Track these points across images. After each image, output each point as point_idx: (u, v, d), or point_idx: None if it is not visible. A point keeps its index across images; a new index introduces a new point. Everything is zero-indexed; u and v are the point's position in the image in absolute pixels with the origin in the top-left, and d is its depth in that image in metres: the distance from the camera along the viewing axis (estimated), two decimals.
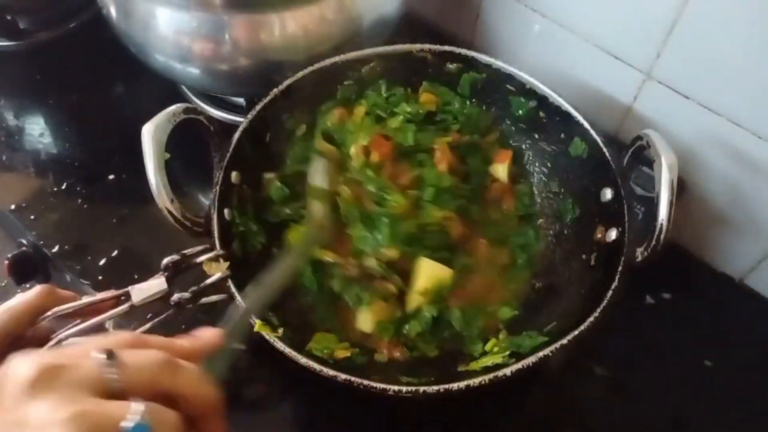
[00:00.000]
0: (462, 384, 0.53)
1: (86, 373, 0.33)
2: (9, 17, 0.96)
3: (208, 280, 0.58)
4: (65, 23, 0.98)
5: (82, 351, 0.35)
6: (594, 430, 0.67)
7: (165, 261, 0.56)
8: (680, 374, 0.71)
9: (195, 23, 0.69)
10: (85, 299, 0.53)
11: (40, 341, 0.52)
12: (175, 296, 0.56)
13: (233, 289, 0.58)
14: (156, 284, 0.55)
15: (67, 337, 0.52)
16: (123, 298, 0.54)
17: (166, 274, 0.56)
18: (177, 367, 0.36)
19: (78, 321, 0.53)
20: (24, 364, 0.33)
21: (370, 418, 0.65)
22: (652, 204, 0.60)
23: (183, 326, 0.70)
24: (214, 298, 0.59)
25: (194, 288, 0.57)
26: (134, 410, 0.32)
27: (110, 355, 0.33)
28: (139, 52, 0.76)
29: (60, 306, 0.51)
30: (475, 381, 0.54)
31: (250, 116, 0.68)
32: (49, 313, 0.51)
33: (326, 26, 0.72)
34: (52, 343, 0.51)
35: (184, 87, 0.88)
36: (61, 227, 0.78)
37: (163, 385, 0.35)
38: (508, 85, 0.73)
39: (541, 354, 0.55)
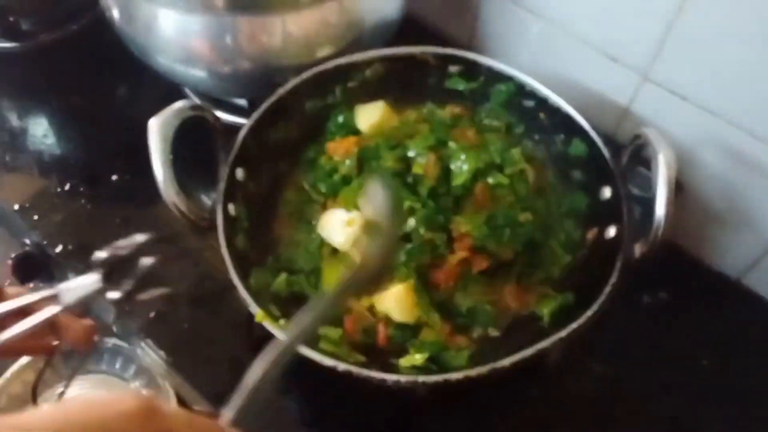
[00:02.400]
0: (461, 375, 0.54)
1: None
2: (12, 19, 0.96)
3: (141, 270, 0.55)
4: (68, 25, 0.98)
5: None
6: (591, 428, 0.68)
7: (96, 257, 0.52)
8: (677, 373, 0.71)
9: (197, 26, 0.69)
10: (11, 304, 0.50)
11: None
12: (112, 294, 0.52)
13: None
14: (87, 282, 0.51)
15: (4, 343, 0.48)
16: (53, 298, 0.50)
17: (101, 270, 0.52)
18: None
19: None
20: None
21: (372, 414, 0.66)
22: (649, 204, 0.61)
23: (207, 333, 0.70)
24: (154, 292, 0.57)
25: (129, 284, 0.54)
26: None
27: None
28: (141, 54, 0.77)
29: None
30: (472, 372, 0.54)
31: (256, 115, 0.69)
32: None
33: (327, 29, 0.72)
34: None
35: (186, 89, 0.88)
36: (65, 227, 0.78)
37: None
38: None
39: (539, 346, 0.55)
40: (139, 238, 0.56)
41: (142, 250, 0.56)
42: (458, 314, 0.65)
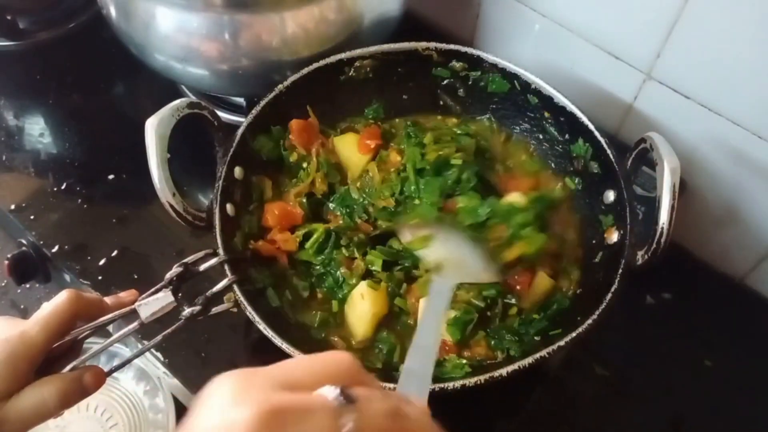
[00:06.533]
0: (458, 384, 0.53)
1: (320, 422, 0.27)
2: (9, 17, 0.96)
3: (215, 288, 0.57)
4: (65, 23, 0.98)
5: (304, 381, 0.29)
6: (593, 429, 0.68)
7: (169, 275, 0.55)
8: (680, 374, 0.71)
9: (195, 23, 0.69)
10: (99, 321, 0.52)
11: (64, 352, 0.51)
12: (186, 311, 0.55)
13: (239, 294, 0.58)
14: (162, 298, 0.54)
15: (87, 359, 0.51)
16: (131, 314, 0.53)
17: (170, 287, 0.54)
18: (407, 419, 0.31)
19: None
20: (239, 407, 0.27)
21: None
22: (653, 204, 0.60)
23: (204, 335, 0.70)
24: (223, 307, 0.58)
25: (202, 299, 0.56)
26: None
27: (350, 398, 0.28)
28: (139, 52, 0.76)
29: (77, 329, 0.51)
30: (470, 381, 0.54)
31: (254, 112, 0.68)
32: (68, 338, 0.50)
33: (326, 26, 0.72)
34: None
35: (184, 87, 0.88)
36: (61, 227, 0.78)
37: None
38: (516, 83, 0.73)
39: (537, 355, 0.55)
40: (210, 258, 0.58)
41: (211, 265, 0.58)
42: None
